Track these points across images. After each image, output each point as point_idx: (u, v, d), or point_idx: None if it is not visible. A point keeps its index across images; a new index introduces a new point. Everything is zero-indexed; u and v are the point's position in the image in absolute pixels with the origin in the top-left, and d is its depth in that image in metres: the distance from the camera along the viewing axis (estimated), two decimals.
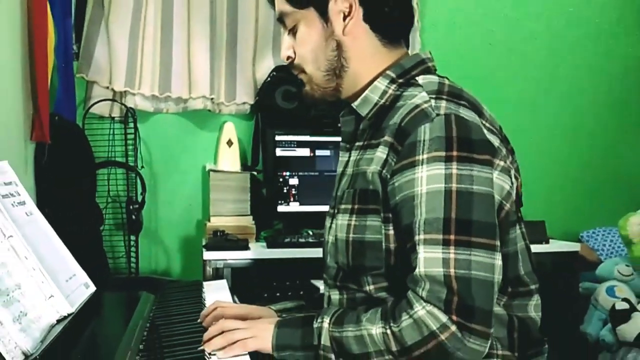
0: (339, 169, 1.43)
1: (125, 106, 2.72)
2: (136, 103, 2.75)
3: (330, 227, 1.39)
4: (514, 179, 1.29)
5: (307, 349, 1.26)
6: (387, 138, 1.26)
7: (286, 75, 2.77)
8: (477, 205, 1.18)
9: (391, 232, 1.25)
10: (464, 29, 3.13)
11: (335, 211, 1.36)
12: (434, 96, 1.24)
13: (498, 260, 1.19)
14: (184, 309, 1.58)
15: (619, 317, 2.43)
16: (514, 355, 1.29)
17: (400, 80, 1.33)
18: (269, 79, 2.81)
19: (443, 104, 1.23)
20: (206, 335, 1.29)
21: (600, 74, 3.23)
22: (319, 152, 2.77)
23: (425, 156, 1.19)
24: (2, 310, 1.01)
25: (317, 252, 2.42)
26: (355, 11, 1.32)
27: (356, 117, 1.39)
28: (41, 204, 1.51)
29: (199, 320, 1.54)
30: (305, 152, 2.76)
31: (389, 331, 1.18)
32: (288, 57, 1.40)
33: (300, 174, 2.74)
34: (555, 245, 2.64)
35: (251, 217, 2.70)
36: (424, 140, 1.20)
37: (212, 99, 2.81)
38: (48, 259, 1.28)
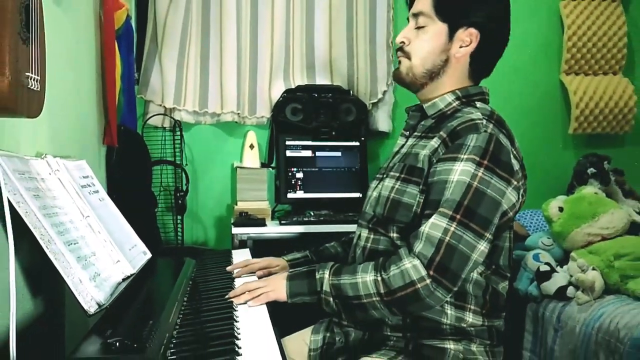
0: (395, 149, 1.43)
1: (174, 119, 2.72)
2: (182, 117, 2.75)
3: (376, 186, 1.39)
4: (520, 197, 1.29)
5: (313, 295, 1.27)
6: (442, 134, 1.27)
7: (293, 95, 2.78)
8: (485, 204, 1.20)
9: (422, 200, 1.26)
10: None
11: (384, 176, 1.37)
12: (486, 118, 1.27)
13: (481, 246, 1.19)
14: (217, 270, 1.58)
15: (542, 276, 2.42)
16: (482, 312, 1.29)
17: (463, 100, 1.34)
18: (281, 98, 2.80)
19: (491, 125, 1.25)
20: (232, 294, 1.29)
21: (533, 88, 3.19)
22: (318, 153, 2.76)
23: (465, 156, 1.22)
24: (82, 271, 1.01)
25: (317, 228, 2.46)
26: (470, 46, 1.33)
27: (421, 115, 1.39)
28: (111, 193, 1.51)
29: (227, 268, 1.54)
30: (308, 153, 2.75)
31: (379, 278, 1.20)
32: (402, 42, 1.37)
33: (305, 169, 2.73)
34: None
35: (267, 202, 2.69)
36: (469, 145, 1.22)
37: (238, 113, 2.79)
38: (116, 233, 1.29)
